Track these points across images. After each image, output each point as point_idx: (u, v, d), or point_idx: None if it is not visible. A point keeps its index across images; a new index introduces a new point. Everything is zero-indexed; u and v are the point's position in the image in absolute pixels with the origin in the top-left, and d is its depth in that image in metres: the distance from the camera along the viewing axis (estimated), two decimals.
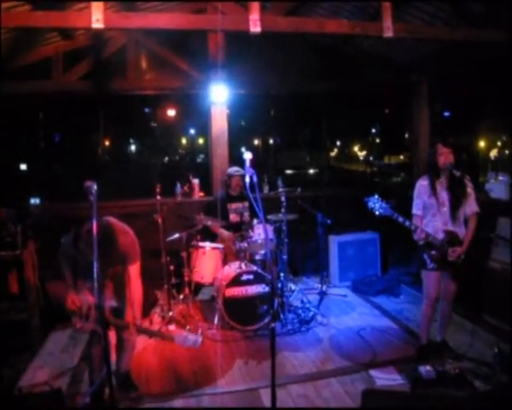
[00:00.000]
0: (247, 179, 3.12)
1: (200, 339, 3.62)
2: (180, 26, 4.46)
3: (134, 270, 3.76)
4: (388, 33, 4.78)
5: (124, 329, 3.78)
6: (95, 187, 3.08)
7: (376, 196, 4.06)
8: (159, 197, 5.57)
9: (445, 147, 4.21)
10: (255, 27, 4.43)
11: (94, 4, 4.01)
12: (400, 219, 4.07)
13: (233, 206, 6.15)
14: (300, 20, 4.89)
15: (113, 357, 3.96)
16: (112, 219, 3.75)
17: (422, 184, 4.34)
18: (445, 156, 4.18)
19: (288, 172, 24.25)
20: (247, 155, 3.12)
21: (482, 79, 8.28)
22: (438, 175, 4.28)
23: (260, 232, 5.60)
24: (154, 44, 6.96)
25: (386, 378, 4.14)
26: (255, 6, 4.47)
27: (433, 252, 4.23)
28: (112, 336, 3.92)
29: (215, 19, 4.54)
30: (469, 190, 4.30)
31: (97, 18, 3.98)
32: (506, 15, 5.31)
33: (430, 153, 4.39)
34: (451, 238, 4.20)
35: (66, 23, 4.10)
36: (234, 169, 6.17)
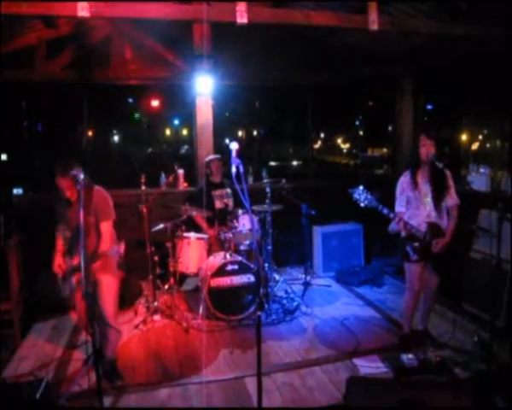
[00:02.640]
0: (234, 170, 3.13)
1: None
2: (167, 15, 4.45)
3: (105, 227, 3.91)
4: (374, 26, 4.83)
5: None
6: (81, 176, 3.09)
7: (361, 188, 4.08)
8: (143, 188, 5.56)
9: (428, 139, 4.26)
10: (242, 18, 4.44)
11: None
12: (385, 211, 4.11)
13: (217, 192, 6.16)
14: (287, 12, 4.90)
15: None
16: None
17: (405, 180, 4.38)
18: (426, 148, 4.23)
19: (272, 163, 24.24)
20: (234, 146, 3.12)
21: (465, 72, 8.38)
22: (419, 167, 4.34)
23: (245, 223, 5.62)
24: (139, 34, 6.91)
25: (370, 366, 4.20)
26: None
27: (416, 244, 4.29)
28: None
29: (201, 9, 4.53)
30: (450, 182, 4.37)
31: (83, 6, 3.95)
32: (487, 11, 5.39)
33: (414, 144, 4.46)
34: (434, 230, 4.26)
35: (52, 11, 4.06)
36: (211, 156, 6.23)
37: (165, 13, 4.43)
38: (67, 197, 3.82)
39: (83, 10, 3.93)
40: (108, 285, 3.98)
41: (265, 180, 6.09)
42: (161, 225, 5.52)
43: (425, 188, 4.31)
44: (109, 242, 3.89)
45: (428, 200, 4.30)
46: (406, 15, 6.05)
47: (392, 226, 4.25)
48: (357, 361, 4.31)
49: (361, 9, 5.01)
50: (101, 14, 4.26)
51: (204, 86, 6.46)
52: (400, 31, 5.22)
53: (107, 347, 4.08)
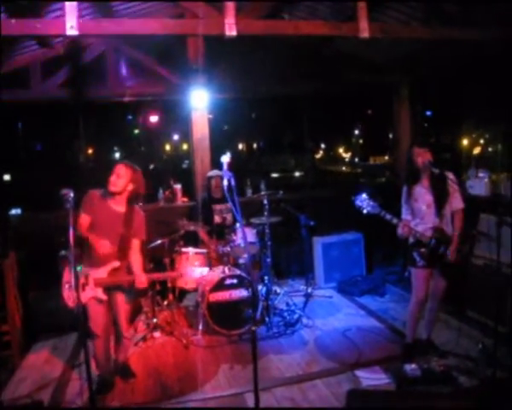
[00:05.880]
0: (225, 183, 3.11)
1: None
2: (156, 31, 4.41)
3: (135, 244, 4.13)
4: (364, 34, 4.78)
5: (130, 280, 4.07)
6: (71, 194, 3.07)
7: (364, 195, 4.09)
8: (141, 203, 5.52)
9: (420, 148, 4.25)
10: (231, 31, 4.40)
11: (68, 11, 3.95)
12: (388, 217, 4.09)
13: (217, 207, 6.12)
14: (276, 23, 4.88)
15: (113, 353, 4.34)
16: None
17: (407, 190, 4.37)
18: (422, 156, 4.21)
19: (274, 175, 24.30)
20: (225, 158, 3.11)
21: (462, 77, 8.36)
22: (418, 177, 4.30)
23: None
24: (134, 51, 6.91)
25: (372, 378, 4.14)
26: (230, 10, 4.43)
27: (423, 249, 4.24)
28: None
29: (190, 24, 4.52)
30: (453, 185, 4.30)
31: (72, 25, 3.93)
32: (481, 14, 5.37)
33: (408, 157, 4.41)
34: (439, 235, 4.21)
35: (41, 31, 4.04)
36: (213, 172, 6.20)
37: (155, 29, 4.39)
38: (111, 190, 4.01)
39: (71, 29, 3.92)
40: (124, 302, 4.18)
41: (263, 192, 6.05)
42: (159, 241, 5.49)
43: (427, 197, 4.26)
44: (138, 256, 4.16)
45: (432, 210, 4.25)
46: (398, 22, 6.03)
47: (399, 232, 4.21)
48: (360, 373, 4.24)
49: (351, 17, 4.98)
50: (89, 32, 4.24)
51: (199, 100, 6.48)
52: (391, 37, 5.16)
53: (120, 353, 4.34)
